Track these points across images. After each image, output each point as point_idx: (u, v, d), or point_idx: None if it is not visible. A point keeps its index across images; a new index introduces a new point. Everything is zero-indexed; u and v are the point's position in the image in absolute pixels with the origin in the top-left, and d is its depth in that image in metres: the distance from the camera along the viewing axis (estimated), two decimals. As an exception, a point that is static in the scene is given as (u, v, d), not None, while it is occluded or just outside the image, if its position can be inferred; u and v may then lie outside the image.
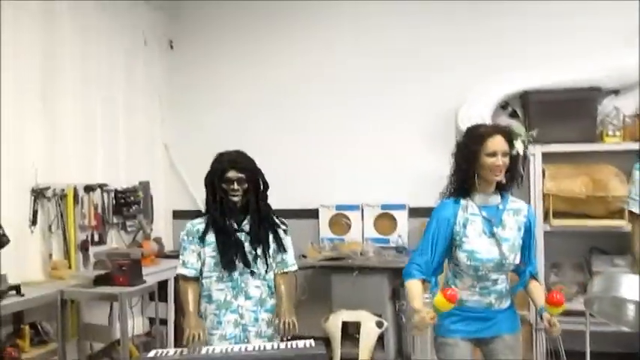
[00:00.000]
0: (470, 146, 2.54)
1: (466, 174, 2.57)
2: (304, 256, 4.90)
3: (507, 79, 4.67)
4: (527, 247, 2.65)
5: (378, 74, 5.14)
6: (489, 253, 2.55)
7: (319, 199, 5.27)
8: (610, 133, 4.39)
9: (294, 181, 5.18)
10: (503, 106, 4.80)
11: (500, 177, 2.54)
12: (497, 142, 2.51)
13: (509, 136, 2.55)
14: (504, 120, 4.79)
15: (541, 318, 2.53)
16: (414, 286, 2.55)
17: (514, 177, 2.61)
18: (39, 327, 3.73)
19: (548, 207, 4.29)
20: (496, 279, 2.61)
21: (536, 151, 4.35)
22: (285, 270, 2.94)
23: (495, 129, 2.60)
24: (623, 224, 3.99)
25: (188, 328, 2.70)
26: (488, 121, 4.54)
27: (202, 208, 5.23)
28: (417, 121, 4.92)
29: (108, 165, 4.89)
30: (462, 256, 2.56)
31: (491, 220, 2.57)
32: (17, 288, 3.51)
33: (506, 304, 2.67)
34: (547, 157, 4.37)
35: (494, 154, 2.51)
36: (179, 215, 5.65)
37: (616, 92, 4.55)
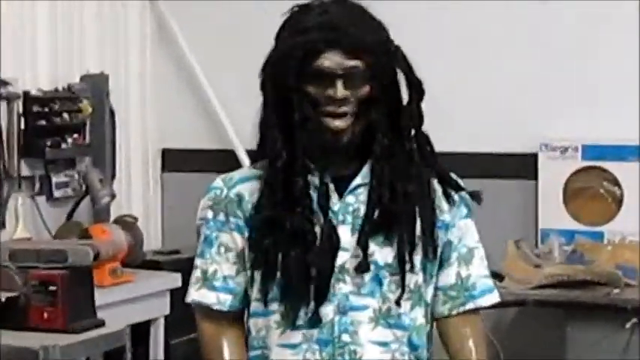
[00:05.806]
0: None
1: None
2: (499, 276, 2.09)
3: None
4: None
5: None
6: None
7: (539, 136, 2.59)
8: None
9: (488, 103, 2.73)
10: None
11: None
12: None
13: None
14: None
15: None
16: None
17: None
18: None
19: None
20: None
21: None
22: (472, 305, 1.21)
23: None
24: None
25: None
26: None
27: (237, 146, 3.28)
28: None
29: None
30: None
31: None
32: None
33: None
34: None
35: None
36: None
37: None
